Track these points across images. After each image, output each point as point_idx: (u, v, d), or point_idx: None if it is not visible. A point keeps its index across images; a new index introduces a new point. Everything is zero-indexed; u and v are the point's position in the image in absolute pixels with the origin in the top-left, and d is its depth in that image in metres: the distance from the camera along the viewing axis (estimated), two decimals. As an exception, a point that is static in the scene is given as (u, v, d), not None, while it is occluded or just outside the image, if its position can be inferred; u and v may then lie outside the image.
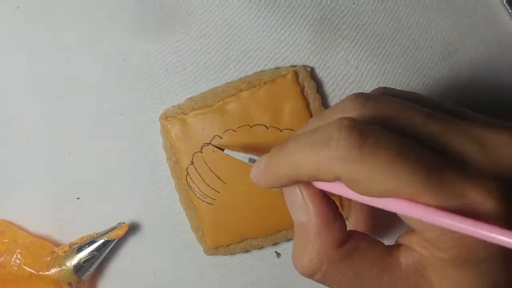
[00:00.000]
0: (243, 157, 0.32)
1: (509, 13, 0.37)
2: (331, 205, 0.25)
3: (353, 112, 0.24)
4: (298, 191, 0.25)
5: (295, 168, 0.24)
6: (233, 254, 0.37)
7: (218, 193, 0.36)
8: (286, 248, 0.38)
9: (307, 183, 0.25)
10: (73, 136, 0.38)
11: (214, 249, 0.37)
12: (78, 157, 0.38)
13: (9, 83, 0.38)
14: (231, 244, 0.37)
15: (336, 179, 0.23)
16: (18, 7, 0.38)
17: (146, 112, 0.38)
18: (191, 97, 0.37)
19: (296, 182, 0.25)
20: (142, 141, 0.38)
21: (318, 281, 0.25)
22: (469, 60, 0.38)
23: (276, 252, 0.38)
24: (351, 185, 0.22)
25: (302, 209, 0.25)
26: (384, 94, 0.27)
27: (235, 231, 0.36)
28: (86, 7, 0.38)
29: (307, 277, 0.25)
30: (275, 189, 0.27)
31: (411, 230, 0.24)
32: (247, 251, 0.37)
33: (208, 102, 0.36)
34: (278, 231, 0.36)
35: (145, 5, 0.37)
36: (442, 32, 0.38)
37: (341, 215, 0.25)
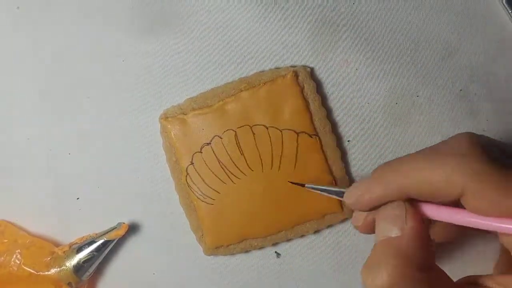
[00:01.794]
0: (329, 191, 0.31)
1: (509, 13, 0.37)
2: (427, 229, 0.25)
3: (475, 138, 0.25)
4: (403, 204, 0.25)
5: (415, 180, 0.24)
6: (233, 254, 0.37)
7: (218, 193, 0.36)
8: (286, 248, 0.38)
9: (414, 204, 0.25)
10: (73, 136, 0.38)
11: (214, 249, 0.37)
12: (78, 157, 0.38)
13: (9, 83, 0.38)
14: (231, 244, 0.37)
15: (460, 195, 0.23)
16: (18, 7, 0.38)
17: (146, 112, 0.38)
18: (191, 97, 0.37)
19: (405, 197, 0.25)
20: (142, 141, 0.38)
21: None
22: (469, 60, 0.38)
23: (276, 252, 0.38)
24: (474, 199, 0.22)
25: (398, 223, 0.25)
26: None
27: (235, 231, 0.36)
28: (86, 7, 0.38)
29: None
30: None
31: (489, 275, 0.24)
32: (247, 251, 0.37)
33: (208, 102, 0.36)
34: (278, 231, 0.36)
35: (145, 5, 0.37)
36: (442, 32, 0.38)
37: (433, 243, 0.25)
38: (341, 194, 0.30)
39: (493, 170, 0.22)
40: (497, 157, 0.23)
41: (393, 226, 0.25)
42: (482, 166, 0.22)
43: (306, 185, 0.33)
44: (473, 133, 0.26)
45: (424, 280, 0.23)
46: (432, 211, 0.25)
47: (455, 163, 0.23)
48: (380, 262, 0.24)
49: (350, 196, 0.27)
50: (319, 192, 0.32)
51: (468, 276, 0.26)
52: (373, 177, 0.26)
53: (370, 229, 0.28)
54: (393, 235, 0.24)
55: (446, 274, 0.25)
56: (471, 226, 0.24)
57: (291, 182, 0.34)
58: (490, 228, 0.23)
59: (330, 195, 0.31)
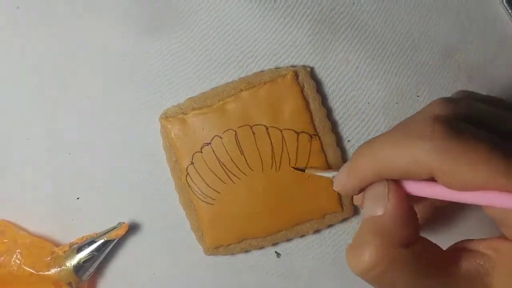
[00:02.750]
0: (328, 174, 0.32)
1: (509, 13, 0.37)
2: (410, 206, 0.25)
3: (442, 112, 0.24)
4: (385, 183, 0.25)
5: (386, 163, 0.24)
6: (233, 254, 0.37)
7: (218, 193, 0.36)
8: (286, 248, 0.38)
9: (395, 181, 0.25)
10: (73, 136, 0.38)
11: (214, 249, 0.37)
12: (78, 157, 0.38)
13: (9, 83, 0.38)
14: (231, 244, 0.37)
15: (430, 175, 0.23)
16: (18, 7, 0.38)
17: (146, 112, 0.38)
18: (191, 97, 0.37)
19: (381, 178, 0.25)
20: (142, 141, 0.38)
21: (369, 280, 0.24)
22: (469, 60, 0.38)
23: (276, 252, 0.38)
24: (445, 178, 0.22)
25: (381, 201, 0.24)
26: (467, 97, 0.27)
27: (235, 231, 0.36)
28: (86, 7, 0.37)
29: (358, 274, 0.24)
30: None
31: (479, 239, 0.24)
32: (247, 251, 0.37)
33: (208, 102, 0.36)
34: (278, 231, 0.36)
35: (145, 5, 0.37)
36: (442, 32, 0.38)
37: (417, 218, 0.25)
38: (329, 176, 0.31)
39: (458, 145, 0.22)
40: (464, 127, 0.23)
41: (377, 205, 0.25)
42: (446, 143, 0.22)
43: (306, 169, 0.34)
44: (442, 100, 0.26)
45: (408, 256, 0.23)
46: (413, 187, 0.25)
47: (421, 143, 0.22)
48: (362, 242, 0.24)
49: (337, 184, 0.28)
50: (318, 174, 0.33)
51: (457, 242, 0.26)
52: (350, 163, 0.26)
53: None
54: (374, 214, 0.24)
55: (434, 244, 0.25)
56: (450, 200, 0.23)
57: (293, 168, 0.35)
58: (468, 202, 0.23)
59: (328, 177, 0.32)
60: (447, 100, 0.26)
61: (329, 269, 0.38)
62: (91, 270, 0.36)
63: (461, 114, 0.25)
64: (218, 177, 0.36)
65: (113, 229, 0.36)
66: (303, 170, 0.34)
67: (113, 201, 0.38)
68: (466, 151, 0.22)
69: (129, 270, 0.38)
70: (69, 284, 0.36)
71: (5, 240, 0.36)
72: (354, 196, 0.29)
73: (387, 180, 0.25)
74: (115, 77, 0.38)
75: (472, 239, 0.25)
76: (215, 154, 0.36)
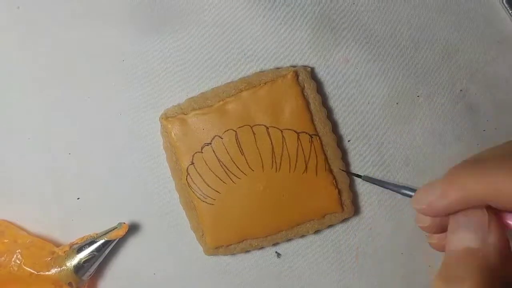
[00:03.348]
0: (394, 188, 0.30)
1: (509, 13, 0.37)
2: (509, 241, 0.23)
3: None
4: (486, 212, 0.23)
5: (499, 189, 0.22)
6: (233, 254, 0.37)
7: (218, 193, 0.36)
8: (286, 248, 0.38)
9: (497, 212, 0.24)
10: (73, 136, 0.38)
11: (214, 249, 0.37)
12: (78, 157, 0.38)
13: (9, 83, 0.38)
14: (231, 244, 0.37)
15: None
16: (18, 7, 0.38)
17: (146, 112, 0.38)
18: (191, 97, 0.37)
19: (485, 204, 0.23)
20: (142, 141, 0.38)
21: None
22: (469, 60, 0.38)
23: (276, 252, 0.38)
24: None
25: (480, 232, 0.23)
26: None
27: (235, 231, 0.36)
28: (86, 7, 0.37)
29: None
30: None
31: None
32: (247, 251, 0.37)
33: (208, 102, 0.36)
34: (278, 231, 0.36)
35: (145, 5, 0.37)
36: (442, 32, 0.38)
37: None
38: (406, 193, 0.28)
39: None
40: None
41: (475, 235, 0.23)
42: None
43: (363, 176, 0.33)
44: None
45: None
46: None
47: None
48: (461, 274, 0.22)
49: (421, 200, 0.25)
50: (376, 184, 0.31)
51: None
52: (448, 180, 0.24)
53: (440, 230, 0.26)
54: (472, 245, 0.23)
55: None
56: None
57: (342, 170, 0.35)
58: None
59: (390, 190, 0.30)
60: None
61: (329, 269, 0.38)
62: (91, 270, 0.36)
63: None
64: (218, 177, 0.36)
65: (113, 229, 0.36)
66: (359, 176, 0.33)
67: (113, 201, 0.38)
68: None
69: (129, 270, 0.38)
70: (69, 284, 0.36)
71: (5, 240, 0.36)
72: (419, 216, 0.26)
73: (486, 208, 0.23)
74: (115, 77, 0.38)
75: None
76: (215, 154, 0.36)
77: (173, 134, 0.36)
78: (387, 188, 0.30)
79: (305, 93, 0.36)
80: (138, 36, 0.37)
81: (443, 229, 0.26)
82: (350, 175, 0.34)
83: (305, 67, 0.36)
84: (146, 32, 0.37)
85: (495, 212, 0.24)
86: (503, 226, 0.23)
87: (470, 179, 0.23)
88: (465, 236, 0.23)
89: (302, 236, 0.37)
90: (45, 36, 0.38)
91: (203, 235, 0.37)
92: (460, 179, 0.24)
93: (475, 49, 0.38)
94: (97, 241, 0.36)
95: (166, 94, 0.37)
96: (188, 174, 0.36)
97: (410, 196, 0.27)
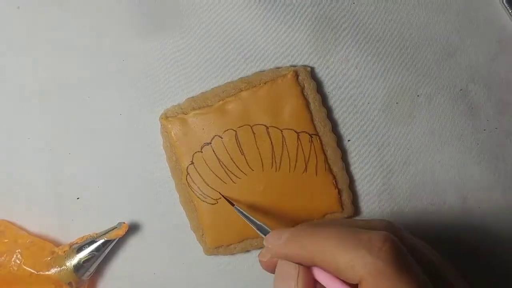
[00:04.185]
0: (254, 223, 0.32)
1: (509, 13, 0.37)
2: None
3: (393, 233, 0.26)
4: (297, 266, 0.27)
5: (323, 255, 0.25)
6: (233, 254, 0.37)
7: (218, 193, 0.36)
8: (286, 248, 0.38)
9: (308, 268, 0.27)
10: (73, 136, 0.38)
11: (214, 249, 0.37)
12: (78, 157, 0.38)
13: (9, 83, 0.38)
14: (231, 244, 0.37)
15: (356, 281, 0.24)
16: (18, 7, 0.38)
17: (146, 112, 0.38)
18: (191, 97, 0.37)
19: (312, 265, 0.26)
20: (142, 141, 0.38)
21: None
22: (469, 60, 0.38)
23: (276, 252, 0.38)
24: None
25: (290, 283, 0.26)
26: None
27: (235, 231, 0.36)
28: (86, 7, 0.38)
29: None
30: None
31: None
32: (247, 251, 0.37)
33: (208, 102, 0.36)
34: (278, 231, 0.36)
35: (145, 5, 0.37)
36: (442, 32, 0.38)
37: None
38: (262, 231, 0.31)
39: (392, 273, 0.23)
40: (408, 260, 0.25)
41: (286, 285, 0.27)
42: (383, 266, 0.23)
43: (235, 206, 0.34)
44: (391, 226, 0.28)
45: None
46: (324, 279, 0.26)
47: (362, 254, 0.24)
48: None
49: (269, 240, 0.29)
50: (244, 218, 0.33)
51: None
52: (293, 233, 0.27)
53: (272, 270, 0.29)
54: None
55: None
56: None
57: (223, 196, 0.35)
58: None
59: (252, 226, 0.32)
60: (393, 225, 0.28)
61: (329, 269, 0.38)
62: (91, 270, 0.36)
63: (407, 241, 0.27)
64: (218, 177, 0.36)
65: (113, 229, 0.36)
66: (232, 204, 0.34)
67: (113, 201, 0.38)
68: (397, 278, 0.23)
69: (129, 270, 0.38)
70: (69, 284, 0.36)
71: (5, 240, 0.36)
72: (263, 252, 0.29)
73: (301, 266, 0.26)
74: (115, 77, 0.38)
75: None
76: (215, 154, 0.36)
77: (173, 134, 0.36)
78: (250, 223, 0.32)
79: (305, 93, 0.36)
80: (138, 36, 0.37)
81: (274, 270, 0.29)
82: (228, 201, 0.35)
83: (305, 67, 0.36)
84: (146, 32, 0.37)
85: (307, 267, 0.27)
86: (311, 279, 0.27)
87: (311, 240, 0.26)
88: (279, 284, 0.27)
89: (302, 236, 0.37)
90: (45, 36, 0.38)
91: (203, 235, 0.37)
92: (300, 237, 0.27)
93: (475, 49, 0.38)
94: (97, 241, 0.36)
95: (166, 94, 0.37)
96: (188, 174, 0.36)
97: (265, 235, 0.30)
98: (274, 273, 0.29)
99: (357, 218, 0.37)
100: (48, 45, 0.38)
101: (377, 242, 0.24)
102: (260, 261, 0.30)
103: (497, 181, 0.38)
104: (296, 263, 0.27)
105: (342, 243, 0.25)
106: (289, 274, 0.27)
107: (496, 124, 0.38)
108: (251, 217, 0.32)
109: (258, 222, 0.32)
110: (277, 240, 0.28)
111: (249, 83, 0.36)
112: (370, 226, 0.28)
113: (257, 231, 0.32)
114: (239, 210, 0.33)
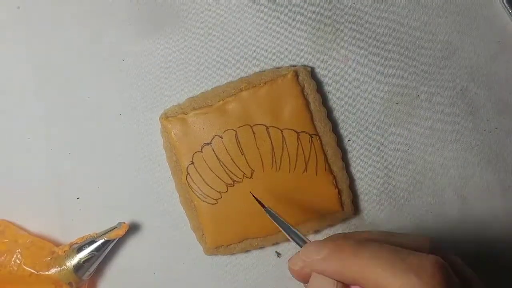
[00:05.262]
0: (285, 227, 0.30)
1: (509, 13, 0.37)
2: None
3: (441, 257, 0.25)
4: (335, 283, 0.26)
5: (367, 276, 0.24)
6: (233, 254, 0.37)
7: (218, 193, 0.36)
8: (286, 248, 0.38)
9: (346, 286, 0.26)
10: (73, 136, 0.38)
11: (214, 249, 0.37)
12: (78, 157, 0.38)
13: (9, 83, 0.38)
14: (231, 244, 0.37)
15: None
16: (18, 7, 0.38)
17: (146, 112, 0.38)
18: (191, 97, 0.37)
19: (351, 284, 0.26)
20: (142, 141, 0.38)
21: None
22: (469, 60, 0.38)
23: (276, 252, 0.38)
24: None
25: None
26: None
27: (235, 231, 0.36)
28: (86, 7, 0.38)
29: None
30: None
31: None
32: (247, 251, 0.37)
33: (208, 102, 0.36)
34: (278, 231, 0.36)
35: (145, 5, 0.37)
36: (442, 32, 0.38)
37: None
38: (297, 241, 0.30)
39: None
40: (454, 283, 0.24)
41: None
42: None
43: (265, 207, 0.32)
44: (438, 247, 0.27)
45: None
46: None
47: (413, 281, 0.23)
48: None
49: (307, 253, 0.27)
50: (273, 220, 0.31)
51: None
52: (329, 254, 0.26)
53: (303, 279, 0.28)
54: None
55: None
56: None
57: (254, 197, 0.33)
58: None
59: (283, 230, 0.31)
60: (446, 249, 0.27)
61: (329, 269, 0.38)
62: (91, 270, 0.36)
63: (457, 268, 0.26)
64: (218, 177, 0.36)
65: (113, 229, 0.36)
66: (263, 206, 0.32)
67: (113, 201, 0.38)
68: None
69: (129, 270, 0.38)
70: (69, 284, 0.36)
71: (5, 240, 0.36)
72: (293, 260, 0.28)
73: (339, 284, 0.26)
74: (115, 77, 0.38)
75: None
76: (215, 154, 0.36)
77: (173, 134, 0.36)
78: (281, 227, 0.31)
79: (305, 93, 0.36)
80: (138, 36, 0.37)
81: (306, 280, 0.28)
82: (258, 201, 0.33)
83: (305, 67, 0.36)
84: (146, 32, 0.37)
85: (347, 286, 0.26)
86: None
87: (351, 259, 0.25)
88: None
89: (302, 236, 0.37)
90: (45, 36, 0.38)
91: (203, 235, 0.37)
92: (341, 254, 0.26)
93: (475, 49, 0.38)
94: (97, 241, 0.36)
95: (166, 94, 0.37)
96: (188, 173, 0.36)
97: (300, 245, 0.29)
98: (302, 281, 0.28)
99: (357, 218, 0.37)
100: (47, 44, 0.38)
101: (428, 268, 0.23)
102: (290, 269, 0.28)
103: (497, 181, 0.38)
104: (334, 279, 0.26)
105: (390, 265, 0.24)
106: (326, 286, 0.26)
107: (496, 124, 0.38)
108: (283, 220, 0.31)
109: (293, 228, 0.30)
110: (316, 255, 0.27)
111: (249, 83, 0.36)
112: (414, 243, 0.27)
113: (287, 236, 0.30)
114: (269, 212, 0.31)
